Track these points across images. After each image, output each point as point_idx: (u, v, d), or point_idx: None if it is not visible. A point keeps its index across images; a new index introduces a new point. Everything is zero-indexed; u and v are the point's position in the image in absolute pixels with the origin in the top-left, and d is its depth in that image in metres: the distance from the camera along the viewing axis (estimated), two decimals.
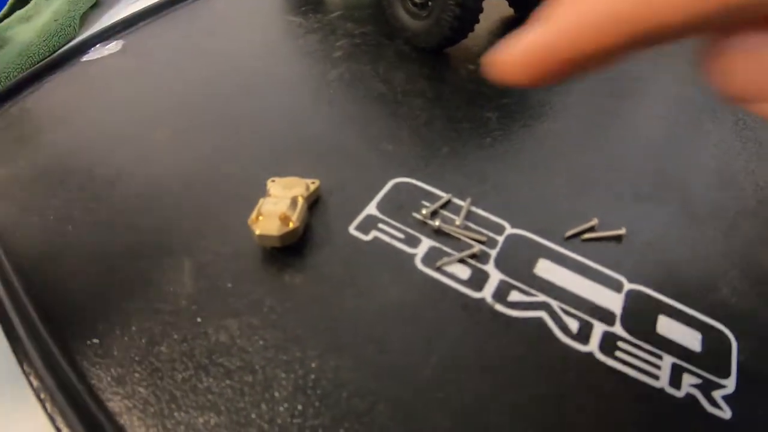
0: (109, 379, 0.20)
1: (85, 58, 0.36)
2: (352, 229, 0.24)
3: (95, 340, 0.21)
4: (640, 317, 0.22)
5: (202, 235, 0.24)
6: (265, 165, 0.27)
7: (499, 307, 0.21)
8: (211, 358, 0.20)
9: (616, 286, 0.23)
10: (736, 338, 0.22)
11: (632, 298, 0.23)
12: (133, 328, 0.21)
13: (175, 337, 0.21)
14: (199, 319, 0.21)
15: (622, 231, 0.24)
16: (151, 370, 0.20)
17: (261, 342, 0.21)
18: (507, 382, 0.20)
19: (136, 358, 0.20)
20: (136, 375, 0.20)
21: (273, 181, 0.24)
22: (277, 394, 0.19)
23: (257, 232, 0.22)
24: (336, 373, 0.20)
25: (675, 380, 0.21)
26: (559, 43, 0.13)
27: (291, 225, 0.22)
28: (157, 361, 0.20)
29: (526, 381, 0.20)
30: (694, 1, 0.11)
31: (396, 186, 0.26)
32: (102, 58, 0.36)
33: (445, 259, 0.22)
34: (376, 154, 0.27)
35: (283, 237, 0.22)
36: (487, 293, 0.22)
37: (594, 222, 0.24)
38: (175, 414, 0.19)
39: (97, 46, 0.37)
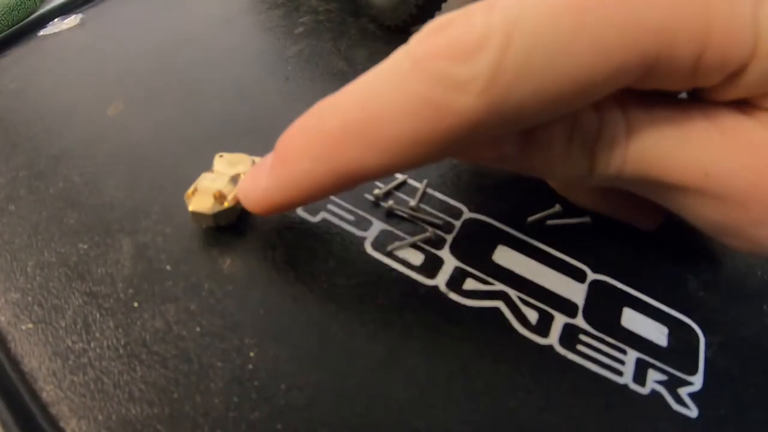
0: (43, 367, 0.18)
1: (42, 32, 0.33)
2: (299, 210, 0.22)
3: (29, 326, 0.19)
4: (603, 309, 0.20)
5: (144, 213, 0.22)
6: (215, 140, 0.24)
7: (453, 296, 0.19)
8: (147, 345, 0.18)
9: (579, 276, 0.21)
10: (704, 333, 0.21)
11: (596, 289, 0.21)
12: (69, 314, 0.19)
13: (111, 323, 0.19)
14: (135, 304, 0.19)
15: (587, 219, 0.22)
16: (86, 358, 0.18)
17: (198, 329, 0.19)
18: (458, 376, 0.18)
19: (71, 345, 0.18)
20: (71, 362, 0.18)
21: (221, 156, 0.22)
22: (212, 385, 0.17)
23: (189, 208, 0.20)
24: (275, 363, 0.18)
25: (639, 376, 0.19)
26: (280, 197, 0.17)
27: (225, 204, 0.20)
28: (91, 348, 0.18)
29: (479, 374, 0.18)
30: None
31: None
32: (60, 32, 0.33)
33: (397, 243, 0.20)
34: None
35: (217, 216, 0.20)
36: (440, 281, 0.20)
37: (557, 208, 0.22)
38: (108, 405, 0.17)
39: (56, 20, 0.34)
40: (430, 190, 0.23)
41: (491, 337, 0.19)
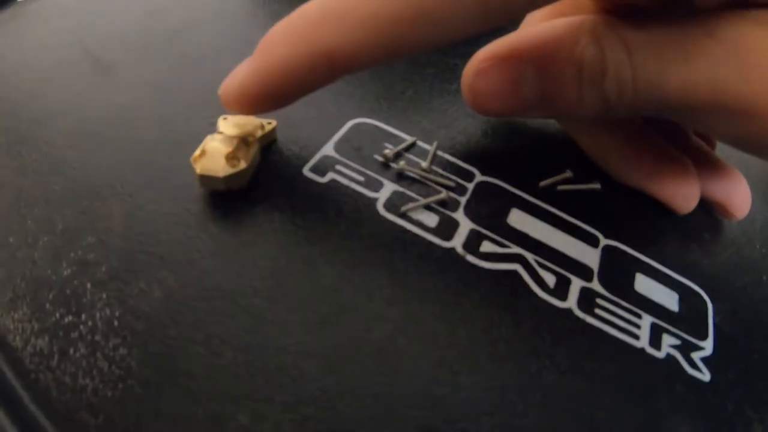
0: (29, 345, 0.16)
1: None
2: (306, 171, 0.20)
3: (12, 299, 0.16)
4: (617, 274, 0.20)
5: (136, 176, 0.19)
6: (214, 103, 0.22)
7: (471, 258, 0.18)
8: (145, 317, 0.16)
9: (593, 241, 0.20)
10: (711, 300, 0.20)
11: (608, 254, 0.20)
12: (57, 286, 0.17)
13: (104, 294, 0.16)
14: (130, 273, 0.17)
15: (597, 185, 0.21)
16: (77, 333, 0.16)
17: (200, 297, 0.16)
18: (480, 340, 0.17)
19: (60, 320, 0.16)
20: (60, 338, 0.16)
21: (225, 118, 0.20)
22: (218, 359, 0.15)
23: (198, 171, 0.18)
24: (286, 330, 0.16)
25: (655, 340, 0.18)
26: (257, 83, 0.17)
27: (239, 166, 0.18)
28: (83, 322, 0.16)
29: (500, 338, 0.17)
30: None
31: (355, 127, 0.22)
32: None
33: (411, 204, 0.19)
34: (334, 94, 0.23)
35: (229, 179, 0.18)
36: (457, 243, 0.18)
37: (568, 174, 0.21)
38: (103, 384, 0.15)
39: None
40: (440, 153, 0.21)
41: (511, 300, 0.18)
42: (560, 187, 0.21)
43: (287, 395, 0.15)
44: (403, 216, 0.19)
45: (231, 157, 0.18)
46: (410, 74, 0.25)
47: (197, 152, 0.19)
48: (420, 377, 0.16)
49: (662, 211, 0.22)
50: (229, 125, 0.20)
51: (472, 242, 0.19)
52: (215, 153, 0.18)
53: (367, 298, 0.17)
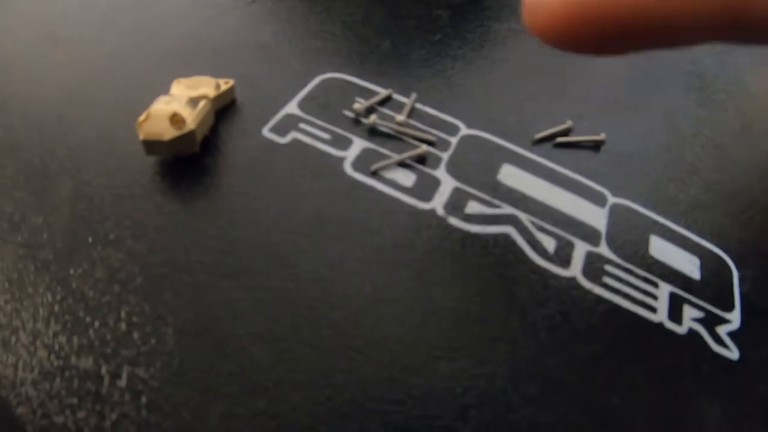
0: None
1: None
2: (266, 131, 0.17)
3: None
4: (629, 237, 0.16)
5: (88, 150, 0.18)
6: (171, 68, 0.20)
7: (454, 221, 0.15)
8: (86, 299, 0.14)
9: (599, 200, 0.17)
10: (736, 266, 0.17)
11: (618, 213, 0.17)
12: (2, 271, 0.15)
13: (47, 277, 0.15)
14: (73, 252, 0.15)
15: (602, 137, 0.18)
16: (19, 321, 0.14)
17: (145, 274, 0.14)
18: (464, 317, 0.14)
19: (2, 306, 0.14)
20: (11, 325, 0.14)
21: (179, 81, 0.18)
22: (165, 339, 0.13)
23: (140, 137, 0.16)
24: (239, 307, 0.13)
25: (675, 313, 0.15)
26: None
27: (185, 128, 0.16)
28: (24, 308, 0.14)
29: (491, 313, 0.14)
30: None
31: (323, 82, 0.19)
32: None
33: (382, 162, 0.16)
34: (300, 50, 0.20)
35: (173, 143, 0.16)
36: (437, 203, 0.15)
37: (569, 124, 0.18)
38: (44, 377, 0.13)
39: None
40: (420, 105, 0.18)
41: (502, 268, 0.15)
42: (559, 140, 0.18)
43: (235, 385, 0.12)
44: (375, 175, 0.16)
45: (176, 118, 0.16)
46: (388, 27, 0.22)
47: (142, 117, 0.16)
48: (390, 364, 0.13)
49: (677, 164, 0.19)
50: (182, 87, 0.17)
51: (456, 202, 0.16)
52: (159, 115, 0.16)
53: (329, 270, 0.14)
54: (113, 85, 0.20)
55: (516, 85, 0.20)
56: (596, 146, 0.18)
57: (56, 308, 0.14)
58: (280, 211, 0.15)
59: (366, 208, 0.15)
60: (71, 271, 0.15)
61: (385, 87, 0.19)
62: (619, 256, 0.16)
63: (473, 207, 0.16)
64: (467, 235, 0.15)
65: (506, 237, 0.15)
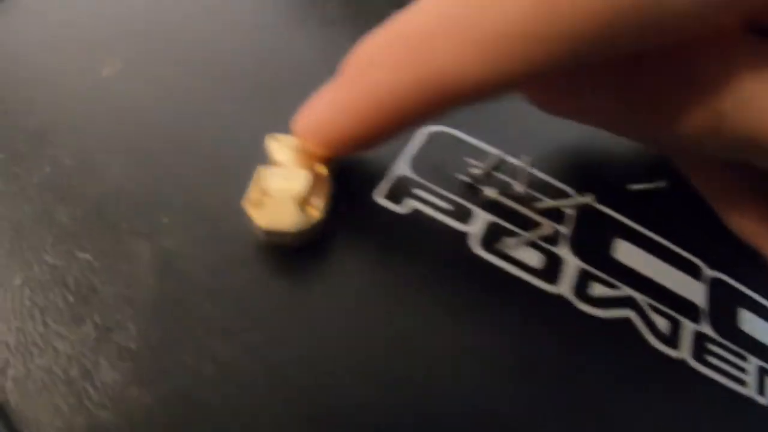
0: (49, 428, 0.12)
1: None
2: (378, 198, 0.16)
3: (17, 373, 0.13)
4: (724, 312, 0.17)
5: (163, 207, 0.15)
6: (242, 102, 0.18)
7: (582, 306, 0.15)
8: (191, 398, 0.12)
9: (695, 272, 0.18)
10: None
11: (714, 288, 0.17)
12: (68, 356, 0.13)
13: (132, 372, 0.13)
14: (167, 342, 0.13)
15: (663, 183, 0.18)
16: (107, 426, 0.12)
17: (262, 372, 0.13)
18: (601, 409, 0.14)
19: (82, 409, 0.12)
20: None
21: (276, 140, 0.15)
22: None
23: (262, 225, 0.13)
24: (370, 400, 0.13)
25: (761, 386, 0.16)
26: (348, 121, 0.13)
27: (316, 215, 0.14)
28: (113, 412, 0.12)
29: (619, 405, 0.14)
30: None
31: (431, 137, 0.18)
32: None
33: (510, 241, 0.16)
34: None
35: (303, 234, 0.14)
36: (565, 287, 0.15)
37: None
38: None
39: None
40: (532, 170, 0.18)
41: (626, 354, 0.15)
42: (630, 187, 0.18)
43: None
44: (502, 254, 0.16)
45: (303, 202, 0.14)
46: None
47: (252, 193, 0.14)
48: None
49: None
50: (285, 149, 0.15)
51: (581, 284, 0.16)
52: (281, 197, 0.13)
53: (470, 367, 0.14)
54: (178, 120, 0.17)
55: (611, 142, 0.20)
56: (690, 212, 0.19)
57: (157, 412, 0.12)
58: (412, 300, 0.14)
59: (500, 295, 0.15)
60: (170, 366, 0.13)
61: (493, 143, 0.18)
62: (718, 333, 0.17)
63: (597, 289, 0.16)
64: (595, 320, 0.15)
65: (627, 320, 0.16)
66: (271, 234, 0.14)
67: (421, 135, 0.18)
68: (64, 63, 0.19)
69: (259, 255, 0.14)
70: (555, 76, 0.13)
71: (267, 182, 0.14)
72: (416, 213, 0.16)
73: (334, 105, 0.13)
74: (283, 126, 0.16)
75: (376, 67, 0.12)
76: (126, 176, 0.16)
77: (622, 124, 0.15)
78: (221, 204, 0.15)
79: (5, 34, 0.20)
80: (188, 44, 0.20)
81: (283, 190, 0.14)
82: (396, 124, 0.12)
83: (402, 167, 0.17)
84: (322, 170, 0.15)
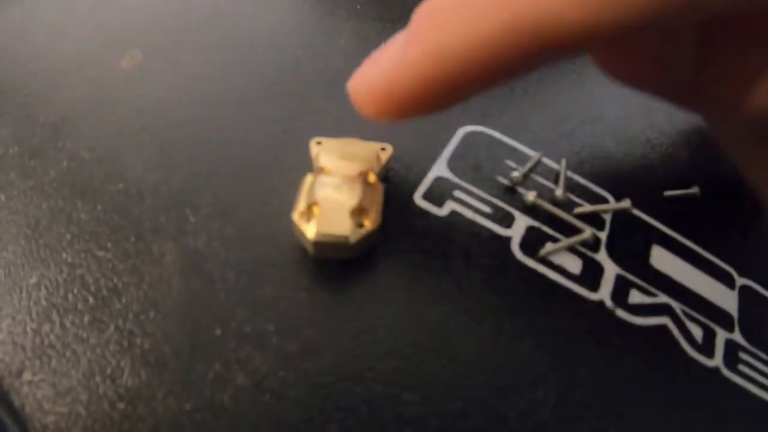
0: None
1: None
2: (419, 199, 0.16)
3: (31, 378, 0.12)
4: (755, 321, 0.17)
5: (190, 205, 0.15)
6: (270, 98, 0.17)
7: (621, 313, 0.15)
8: (224, 411, 0.12)
9: (728, 281, 0.17)
10: None
11: (745, 296, 0.17)
12: (88, 362, 0.12)
13: (159, 380, 0.12)
14: (198, 347, 0.13)
15: (696, 190, 0.18)
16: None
17: (299, 384, 0.12)
18: (634, 409, 0.14)
19: (106, 418, 0.12)
20: None
21: (319, 143, 0.14)
22: None
23: (314, 237, 0.12)
24: (419, 422, 0.13)
25: None
26: (434, 73, 0.10)
27: (371, 225, 0.13)
28: (136, 424, 0.12)
29: (656, 412, 0.14)
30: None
31: (468, 137, 0.18)
32: None
33: (551, 247, 0.15)
34: None
35: (358, 245, 0.13)
36: (604, 293, 0.15)
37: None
38: None
39: None
40: (569, 173, 0.17)
41: (663, 362, 0.15)
42: (666, 193, 0.18)
43: None
44: (542, 260, 0.15)
45: (357, 212, 0.13)
46: None
47: (301, 205, 0.13)
48: None
49: None
50: (333, 156, 0.14)
51: (621, 292, 0.16)
52: (333, 207, 0.13)
53: (515, 377, 0.14)
54: (203, 114, 0.16)
55: (645, 147, 0.19)
56: (722, 220, 0.18)
57: (184, 420, 0.12)
58: (455, 308, 0.14)
59: (542, 302, 0.15)
60: (199, 375, 0.12)
61: (530, 144, 0.18)
62: (750, 341, 0.17)
63: (635, 296, 0.16)
64: (633, 328, 0.15)
65: (664, 328, 0.15)
66: (322, 247, 0.13)
67: (458, 133, 0.17)
68: (82, 54, 0.18)
69: (293, 259, 0.14)
70: (653, 34, 0.11)
71: (316, 192, 0.13)
72: (456, 215, 0.16)
73: (403, 63, 0.11)
74: (318, 128, 0.16)
75: (456, 18, 0.10)
76: (149, 172, 0.15)
77: (697, 96, 0.13)
78: (252, 205, 0.15)
79: (22, 26, 0.19)
80: (211, 36, 0.19)
81: (334, 200, 0.13)
82: (475, 82, 0.10)
83: (440, 168, 0.17)
84: (373, 178, 0.14)
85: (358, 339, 0.13)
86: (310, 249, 0.13)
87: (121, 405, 0.12)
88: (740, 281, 0.18)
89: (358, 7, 0.21)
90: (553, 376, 0.14)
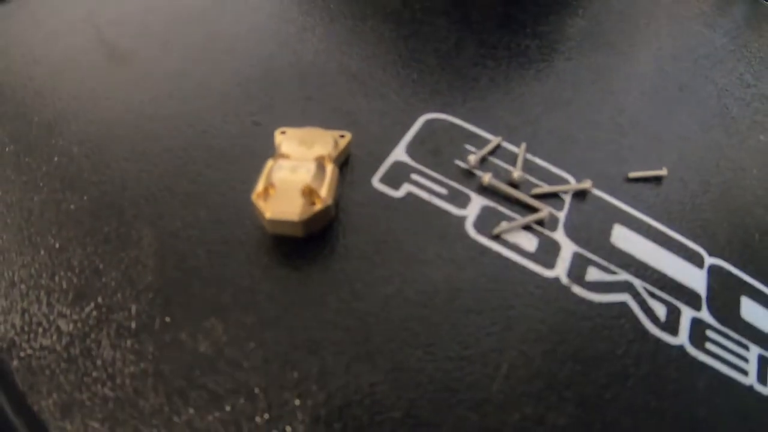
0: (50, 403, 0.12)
1: None
2: (376, 182, 0.16)
3: (17, 362, 0.13)
4: (724, 299, 0.17)
5: (167, 192, 0.15)
6: (248, 92, 0.18)
7: (577, 290, 0.15)
8: (190, 377, 0.12)
9: (697, 260, 0.17)
10: None
11: (715, 275, 0.17)
12: (69, 338, 0.13)
13: (129, 345, 0.13)
14: (168, 319, 0.13)
15: (663, 171, 0.18)
16: (106, 400, 0.12)
17: (257, 351, 0.13)
18: (596, 398, 0.14)
19: (83, 386, 0.12)
20: (86, 406, 0.12)
21: (283, 132, 0.15)
22: (288, 428, 0.12)
23: (267, 215, 0.13)
24: (370, 391, 0.13)
25: (763, 375, 0.16)
26: None
27: (321, 203, 0.14)
28: (112, 388, 0.12)
29: (617, 390, 0.14)
30: None
31: (429, 124, 0.18)
32: None
33: (506, 226, 0.15)
34: (398, 83, 0.19)
35: (309, 222, 0.13)
36: (560, 270, 0.15)
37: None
38: None
39: None
40: (529, 156, 0.17)
41: (623, 340, 0.15)
42: (630, 174, 0.18)
43: None
44: (497, 238, 0.15)
45: (308, 192, 0.14)
46: (480, 57, 0.21)
47: (260, 187, 0.14)
48: None
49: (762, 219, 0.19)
50: (293, 143, 0.15)
51: (577, 269, 0.15)
52: (287, 187, 0.13)
53: (465, 348, 0.14)
54: (184, 110, 0.17)
55: (610, 128, 0.19)
56: (691, 202, 0.18)
57: (150, 381, 0.12)
58: (407, 280, 0.14)
59: (495, 278, 0.15)
60: (164, 343, 0.13)
61: (491, 130, 0.18)
62: (718, 320, 0.16)
63: (593, 274, 0.15)
64: (590, 304, 0.15)
65: (623, 305, 0.15)
66: (277, 224, 0.13)
67: (419, 120, 0.18)
68: (74, 56, 0.19)
69: (258, 240, 0.14)
70: None
71: (274, 174, 0.14)
72: (412, 197, 0.16)
73: None
74: (286, 119, 0.17)
75: None
76: (131, 162, 0.16)
77: None
78: (223, 189, 0.15)
79: (19, 29, 0.20)
80: (198, 38, 0.20)
81: (287, 181, 0.14)
82: None
83: (399, 152, 0.17)
84: (328, 160, 0.14)
85: (312, 311, 0.13)
86: (267, 227, 0.14)
87: (96, 373, 0.12)
88: (710, 260, 0.17)
89: (332, 6, 0.22)
90: (508, 350, 0.14)
